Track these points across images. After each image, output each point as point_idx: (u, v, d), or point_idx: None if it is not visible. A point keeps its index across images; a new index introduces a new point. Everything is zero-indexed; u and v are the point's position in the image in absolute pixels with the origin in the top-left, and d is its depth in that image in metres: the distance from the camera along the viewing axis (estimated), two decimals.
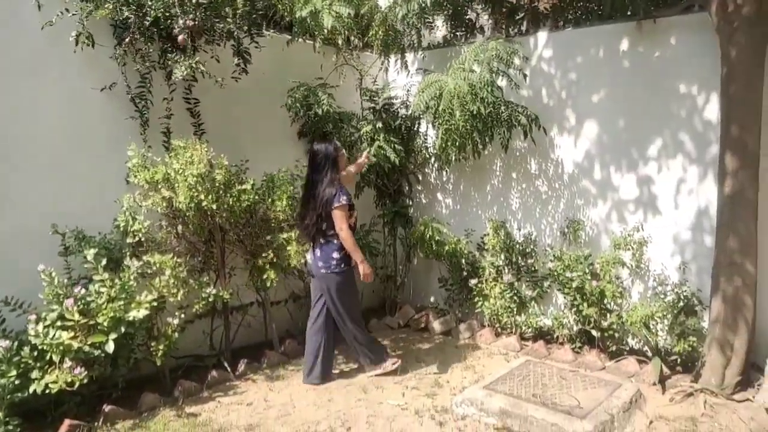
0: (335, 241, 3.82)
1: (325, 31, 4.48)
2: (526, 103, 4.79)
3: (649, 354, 4.18)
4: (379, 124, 4.89)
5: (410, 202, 5.67)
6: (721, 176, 3.76)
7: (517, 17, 5.93)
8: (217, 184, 3.80)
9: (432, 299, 5.67)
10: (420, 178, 5.66)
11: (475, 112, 4.25)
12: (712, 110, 4.00)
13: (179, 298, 3.75)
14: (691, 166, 4.16)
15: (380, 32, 4.86)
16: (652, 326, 4.07)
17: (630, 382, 3.74)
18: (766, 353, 3.79)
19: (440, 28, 5.74)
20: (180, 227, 3.93)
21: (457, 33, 5.84)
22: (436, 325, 5.14)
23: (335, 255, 3.82)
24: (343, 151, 4.09)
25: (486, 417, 3.40)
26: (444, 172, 5.51)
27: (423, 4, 4.54)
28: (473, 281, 4.98)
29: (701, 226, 4.16)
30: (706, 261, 4.00)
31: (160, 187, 3.77)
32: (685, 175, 4.21)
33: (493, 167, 5.21)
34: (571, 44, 4.69)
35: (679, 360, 4.04)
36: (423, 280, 5.68)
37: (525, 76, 4.72)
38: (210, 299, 3.92)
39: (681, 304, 4.02)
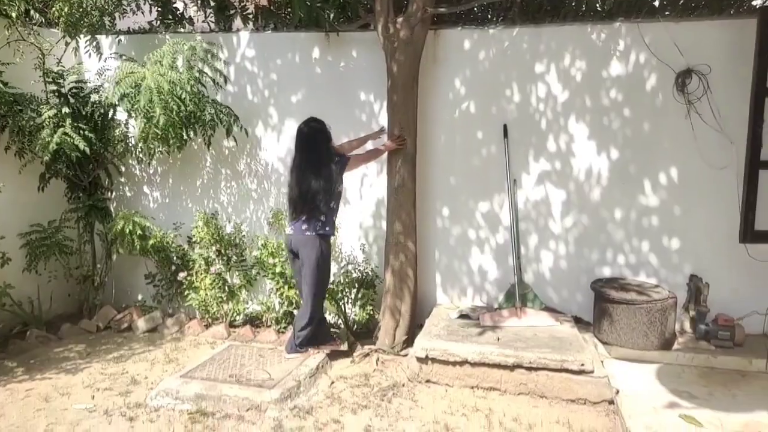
0: (322, 218, 3.97)
1: None
2: (233, 99, 4.94)
3: (342, 325, 4.78)
4: (66, 109, 4.44)
5: (111, 195, 5.29)
6: (390, 172, 4.52)
7: (228, 13, 6.04)
8: None
9: (139, 297, 5.40)
10: (123, 169, 5.31)
11: (176, 111, 4.24)
12: (385, 116, 4.75)
13: None
14: (370, 164, 4.87)
15: (65, 9, 4.41)
16: (341, 301, 4.65)
17: (319, 352, 4.21)
18: (425, 315, 4.70)
19: (143, 13, 5.47)
20: None
21: (164, 21, 5.67)
22: (141, 323, 4.92)
23: (322, 218, 3.96)
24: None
25: (181, 404, 3.43)
26: (150, 165, 5.29)
27: None
28: (182, 274, 4.92)
29: (380, 213, 4.92)
30: (383, 242, 4.74)
31: None
32: (367, 171, 4.92)
33: (204, 162, 5.23)
34: (272, 46, 5.01)
35: (363, 328, 4.71)
36: (128, 277, 5.36)
37: (225, 77, 4.83)
38: None
39: (363, 279, 4.70)
